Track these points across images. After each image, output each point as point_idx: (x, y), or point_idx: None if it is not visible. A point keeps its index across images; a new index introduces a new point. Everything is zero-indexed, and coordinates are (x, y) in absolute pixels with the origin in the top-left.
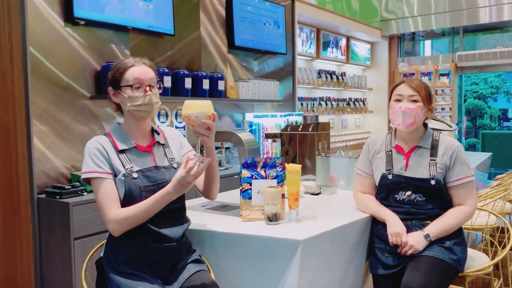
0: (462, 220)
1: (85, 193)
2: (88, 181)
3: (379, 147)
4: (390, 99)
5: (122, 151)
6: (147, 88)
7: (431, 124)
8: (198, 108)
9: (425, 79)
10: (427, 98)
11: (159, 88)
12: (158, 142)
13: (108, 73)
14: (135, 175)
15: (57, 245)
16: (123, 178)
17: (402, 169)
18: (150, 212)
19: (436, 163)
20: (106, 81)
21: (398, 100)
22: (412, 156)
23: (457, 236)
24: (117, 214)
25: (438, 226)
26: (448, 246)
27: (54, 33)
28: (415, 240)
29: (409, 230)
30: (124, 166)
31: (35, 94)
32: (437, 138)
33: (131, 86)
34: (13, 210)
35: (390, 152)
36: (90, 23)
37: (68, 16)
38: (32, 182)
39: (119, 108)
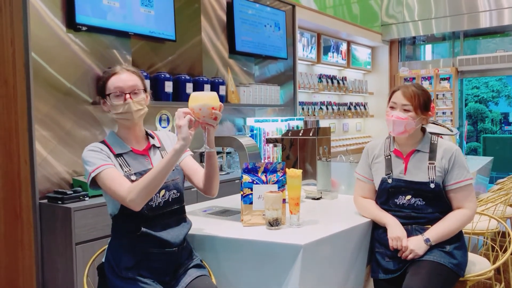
0: (462, 224)
1: (87, 198)
2: (94, 183)
3: (378, 152)
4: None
5: (119, 155)
6: (127, 96)
7: (432, 128)
8: (201, 100)
9: (425, 84)
10: (421, 106)
11: (147, 95)
12: (154, 146)
13: None
14: (133, 177)
15: (58, 250)
16: None
17: (401, 173)
18: (163, 173)
19: (434, 166)
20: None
21: (392, 108)
22: (411, 160)
23: (458, 241)
24: (131, 185)
25: (439, 230)
26: (449, 251)
27: (56, 38)
28: (415, 245)
29: (409, 234)
30: (122, 169)
31: (37, 99)
32: (436, 142)
33: (112, 94)
34: (15, 215)
35: (389, 157)
36: (92, 29)
37: (70, 22)
38: (34, 187)
39: None
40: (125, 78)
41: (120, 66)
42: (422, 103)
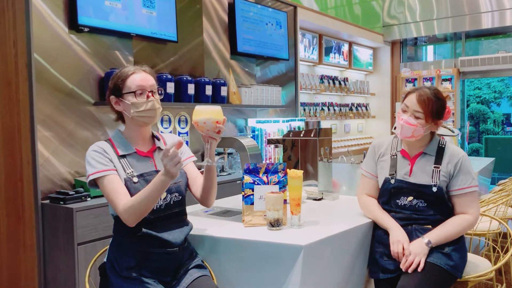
0: (463, 229)
1: (88, 199)
2: (94, 183)
3: (384, 150)
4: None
5: (123, 156)
6: (149, 94)
7: None
8: (206, 114)
9: (427, 84)
10: (433, 114)
11: (160, 94)
12: (159, 148)
13: (108, 81)
14: (135, 179)
15: (60, 251)
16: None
17: (406, 175)
18: (153, 196)
19: (440, 170)
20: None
21: (404, 111)
22: (417, 162)
23: (457, 242)
24: (125, 204)
25: (440, 233)
26: (447, 252)
27: (58, 39)
28: (417, 248)
29: (409, 234)
30: (125, 171)
31: (40, 100)
32: (443, 145)
33: (133, 92)
34: (17, 215)
35: (395, 156)
36: (94, 30)
37: (73, 23)
38: (36, 188)
39: (119, 117)
40: (145, 77)
41: (136, 66)
42: (435, 111)
